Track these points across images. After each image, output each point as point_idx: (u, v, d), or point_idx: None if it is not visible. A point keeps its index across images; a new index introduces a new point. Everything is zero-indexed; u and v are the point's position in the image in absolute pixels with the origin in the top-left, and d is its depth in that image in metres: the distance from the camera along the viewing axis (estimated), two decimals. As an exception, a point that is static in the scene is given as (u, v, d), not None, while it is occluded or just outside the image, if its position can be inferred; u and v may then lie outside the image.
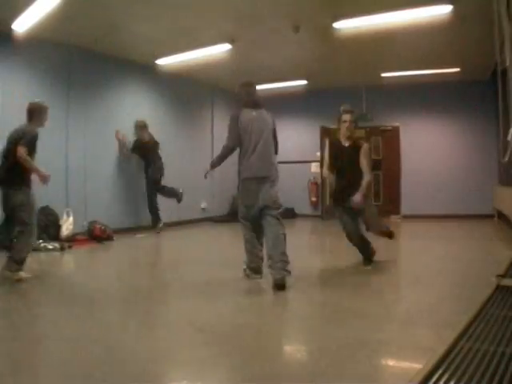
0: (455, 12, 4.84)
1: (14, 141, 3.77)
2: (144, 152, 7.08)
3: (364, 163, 4.03)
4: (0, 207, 3.88)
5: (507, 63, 3.46)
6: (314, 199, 9.59)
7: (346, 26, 5.38)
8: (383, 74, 8.03)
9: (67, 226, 5.80)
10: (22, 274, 3.73)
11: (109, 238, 6.14)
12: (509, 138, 3.54)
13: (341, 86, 9.22)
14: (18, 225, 3.71)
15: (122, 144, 6.96)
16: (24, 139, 3.74)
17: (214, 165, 3.85)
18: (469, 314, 2.11)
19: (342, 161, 4.08)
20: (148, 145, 7.05)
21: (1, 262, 3.77)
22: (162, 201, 7.63)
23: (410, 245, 6.05)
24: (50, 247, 5.29)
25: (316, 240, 7.42)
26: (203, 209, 8.87)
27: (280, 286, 3.28)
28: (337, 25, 5.36)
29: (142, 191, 7.30)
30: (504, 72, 3.80)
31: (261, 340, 2.46)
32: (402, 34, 5.76)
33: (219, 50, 6.38)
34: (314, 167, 9.58)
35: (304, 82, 8.62)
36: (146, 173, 7.14)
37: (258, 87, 9.94)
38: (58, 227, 5.73)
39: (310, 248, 6.40)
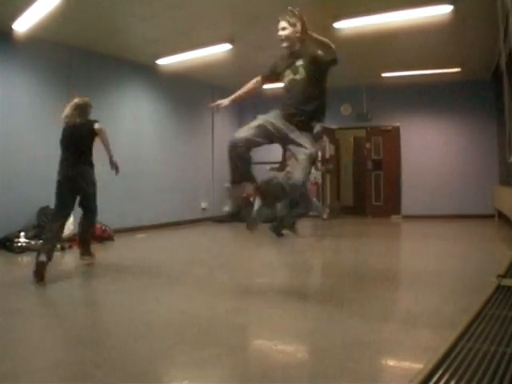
0: (455, 12, 4.84)
1: None
2: None
3: None
4: None
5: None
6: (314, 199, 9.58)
7: (346, 25, 5.38)
8: (383, 74, 8.03)
9: (67, 226, 5.79)
10: None
11: (109, 238, 6.14)
12: None
13: (341, 85, 9.21)
14: None
15: None
16: None
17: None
18: (469, 313, 2.11)
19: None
20: None
21: None
22: (161, 200, 7.64)
23: (410, 245, 6.05)
24: (50, 247, 5.28)
25: (316, 240, 7.41)
26: (203, 209, 8.86)
27: None
28: (337, 25, 5.36)
29: (142, 191, 7.31)
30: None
31: (261, 340, 2.46)
32: (402, 34, 5.76)
33: (219, 50, 6.38)
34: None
35: (304, 82, 8.61)
36: None
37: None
38: (58, 227, 5.73)
39: (309, 247, 6.40)
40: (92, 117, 6.63)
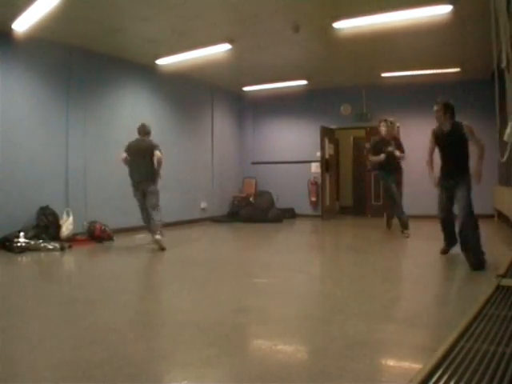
0: (455, 12, 4.85)
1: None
2: None
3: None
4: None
5: (504, 64, 3.45)
6: (313, 199, 9.60)
7: (346, 25, 5.38)
8: (383, 74, 8.03)
9: (67, 226, 5.80)
10: None
11: (109, 238, 6.14)
12: (505, 138, 3.54)
13: (341, 86, 9.23)
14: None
15: None
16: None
17: None
18: (469, 313, 2.11)
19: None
20: None
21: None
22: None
23: (410, 244, 6.05)
24: (50, 247, 5.29)
25: (316, 240, 7.41)
26: (203, 209, 8.86)
27: None
28: (337, 25, 5.36)
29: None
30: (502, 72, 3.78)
31: (261, 340, 2.46)
32: (402, 34, 5.76)
33: (219, 50, 6.38)
34: (314, 167, 9.59)
35: (304, 82, 8.62)
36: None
37: (258, 87, 9.95)
38: (58, 227, 5.73)
39: (309, 247, 6.40)
40: (93, 117, 6.68)
